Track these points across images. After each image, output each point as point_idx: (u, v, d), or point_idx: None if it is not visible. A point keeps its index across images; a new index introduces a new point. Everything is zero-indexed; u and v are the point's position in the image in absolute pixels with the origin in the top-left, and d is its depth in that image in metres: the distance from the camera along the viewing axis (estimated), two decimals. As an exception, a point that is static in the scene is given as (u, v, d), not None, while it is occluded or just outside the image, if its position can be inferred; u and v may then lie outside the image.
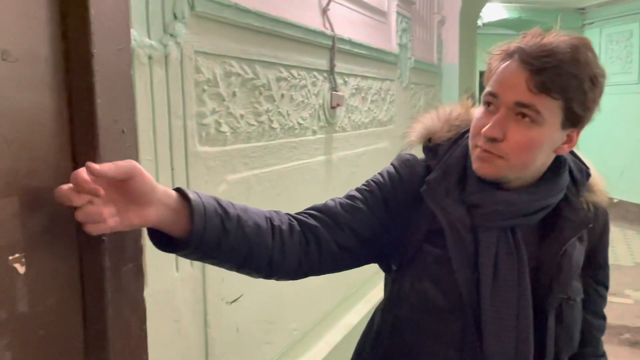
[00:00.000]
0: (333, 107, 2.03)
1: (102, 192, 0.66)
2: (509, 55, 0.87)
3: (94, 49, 0.71)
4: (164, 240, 0.80)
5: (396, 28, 2.77)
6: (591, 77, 0.85)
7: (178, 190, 0.79)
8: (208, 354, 1.39)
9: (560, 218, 0.93)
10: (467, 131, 0.95)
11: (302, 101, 1.83)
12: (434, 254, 0.93)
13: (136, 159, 0.81)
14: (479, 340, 0.89)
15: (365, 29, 2.42)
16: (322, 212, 0.95)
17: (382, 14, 2.64)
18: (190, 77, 1.29)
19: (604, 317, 1.07)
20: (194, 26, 1.29)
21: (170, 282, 1.24)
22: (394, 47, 2.76)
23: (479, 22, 6.24)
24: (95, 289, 0.75)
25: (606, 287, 1.06)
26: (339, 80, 2.10)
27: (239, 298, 1.50)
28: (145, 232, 0.82)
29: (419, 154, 1.03)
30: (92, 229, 0.68)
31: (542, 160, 0.91)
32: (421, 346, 0.93)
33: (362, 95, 2.37)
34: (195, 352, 1.35)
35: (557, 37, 0.86)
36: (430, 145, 1.00)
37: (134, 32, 1.10)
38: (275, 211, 0.93)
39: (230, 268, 0.89)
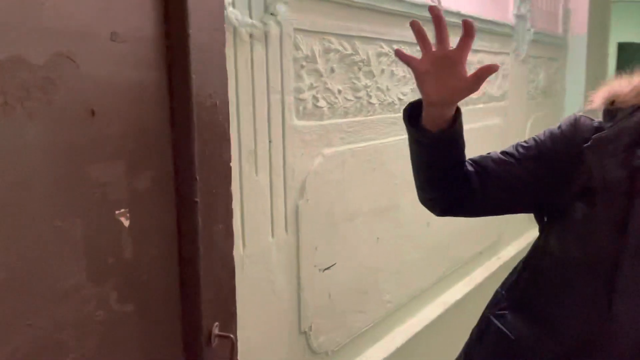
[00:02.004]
0: (437, 83, 2.00)
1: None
2: None
3: (190, 30, 0.80)
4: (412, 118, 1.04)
5: (513, -2, 2.62)
6: None
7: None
8: (300, 315, 1.48)
9: None
10: None
11: (404, 76, 1.83)
12: (584, 211, 0.95)
13: (227, 128, 0.89)
14: (609, 299, 0.91)
15: (478, 0, 2.33)
16: (477, 163, 1.07)
17: (498, -17, 2.51)
18: (289, 53, 1.35)
19: None
20: (294, 5, 1.35)
21: (266, 246, 1.34)
22: (509, 19, 2.62)
23: (618, -12, 5.65)
24: (189, 244, 0.85)
25: None
26: (445, 55, 2.05)
27: (331, 266, 1.57)
28: (235, 188, 0.92)
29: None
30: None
31: None
32: (554, 297, 0.99)
33: (472, 70, 2.29)
34: (289, 311, 1.44)
35: None
36: (612, 108, 0.99)
37: (236, 12, 1.19)
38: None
39: (435, 173, 1.05)
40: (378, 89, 1.71)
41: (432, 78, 0.97)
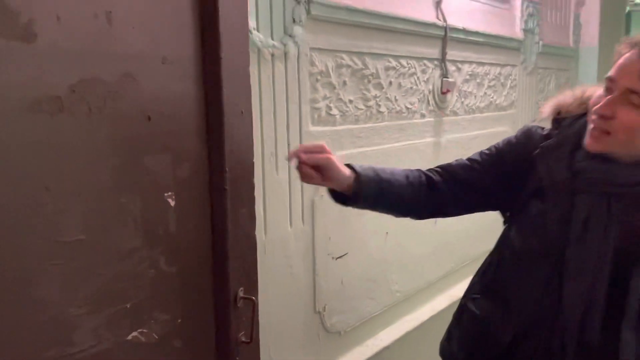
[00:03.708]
0: (444, 93, 2.19)
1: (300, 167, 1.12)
2: (632, 45, 1.01)
3: (222, 53, 1.02)
4: (338, 198, 1.19)
5: (521, 14, 2.80)
6: None
7: (348, 165, 1.16)
8: (316, 297, 1.69)
9: None
10: None
11: (411, 87, 2.03)
12: (538, 207, 1.12)
13: (250, 132, 1.11)
14: (559, 283, 1.06)
15: (484, 17, 2.51)
16: (444, 169, 1.24)
17: (505, 1, 2.70)
18: (306, 69, 1.57)
19: None
20: (310, 27, 1.57)
21: (285, 234, 1.55)
22: (517, 33, 2.79)
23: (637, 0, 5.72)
24: (220, 223, 1.07)
25: None
26: (452, 67, 2.25)
27: (344, 255, 1.77)
28: (258, 184, 1.15)
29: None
30: (299, 173, 1.13)
31: None
32: (514, 283, 1.15)
33: (478, 80, 2.48)
34: (305, 293, 1.65)
35: None
36: (558, 117, 1.16)
37: (260, 35, 1.41)
38: (410, 170, 1.24)
39: (382, 212, 1.25)
40: (387, 99, 1.92)
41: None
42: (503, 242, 1.23)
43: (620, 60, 1.00)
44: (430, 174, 1.24)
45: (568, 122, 1.12)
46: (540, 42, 3.01)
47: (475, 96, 2.47)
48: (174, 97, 0.98)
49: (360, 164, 1.19)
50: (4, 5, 0.72)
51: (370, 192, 1.15)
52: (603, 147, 1.02)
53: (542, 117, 1.20)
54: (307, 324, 1.67)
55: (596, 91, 1.12)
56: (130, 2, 0.89)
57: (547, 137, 1.14)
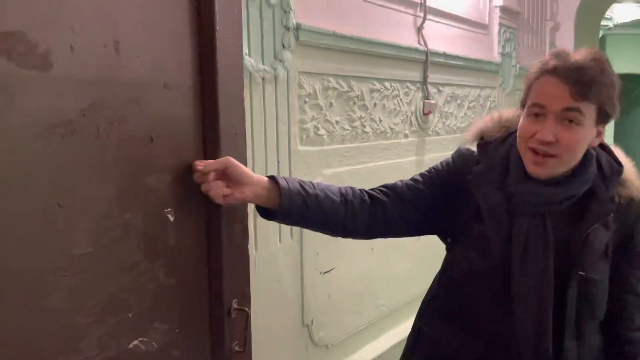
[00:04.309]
0: (426, 114, 2.29)
1: (209, 176, 1.04)
2: (546, 72, 1.07)
3: (219, 79, 1.10)
4: (266, 211, 1.16)
5: (498, 39, 2.93)
6: (612, 83, 1.06)
7: (271, 177, 1.14)
8: (304, 311, 1.75)
9: (587, 207, 1.11)
10: (515, 131, 1.15)
11: (394, 109, 2.12)
12: (478, 229, 1.14)
13: (244, 152, 1.18)
14: (509, 300, 1.10)
15: (464, 42, 2.63)
16: (390, 189, 1.23)
17: (483, 26, 2.83)
18: (294, 92, 1.65)
19: (639, 295, 1.19)
20: (298, 52, 1.65)
21: (274, 250, 1.62)
22: (495, 57, 2.92)
23: (610, 24, 5.97)
24: (216, 238, 1.13)
25: None
26: (433, 90, 2.35)
27: (331, 270, 1.84)
28: (251, 205, 1.19)
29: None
30: (212, 196, 1.06)
31: (582, 154, 1.09)
32: (466, 302, 1.17)
33: (458, 102, 2.59)
34: (294, 306, 1.71)
35: (582, 53, 1.06)
36: (482, 142, 1.21)
37: (251, 60, 1.50)
38: (351, 187, 1.22)
39: (314, 230, 1.22)
40: (372, 119, 2.01)
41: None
42: (449, 264, 1.24)
43: (544, 88, 1.06)
44: (375, 193, 1.22)
45: (493, 146, 1.17)
46: (518, 65, 3.15)
47: (456, 117, 2.58)
48: (175, 120, 1.05)
49: (285, 177, 1.18)
50: (24, 37, 0.79)
51: (295, 206, 1.11)
52: (548, 171, 1.07)
53: (466, 142, 1.24)
54: (296, 337, 1.73)
55: (510, 114, 1.20)
56: (135, 32, 0.96)
57: (478, 161, 1.18)
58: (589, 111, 1.04)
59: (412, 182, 1.23)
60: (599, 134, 1.10)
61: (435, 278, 1.31)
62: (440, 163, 1.25)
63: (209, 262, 1.13)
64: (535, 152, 1.06)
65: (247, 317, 1.18)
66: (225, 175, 1.07)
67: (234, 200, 1.09)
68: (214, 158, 1.11)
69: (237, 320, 1.17)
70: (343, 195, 1.19)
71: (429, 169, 1.26)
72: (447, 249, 1.27)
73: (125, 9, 0.94)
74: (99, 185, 0.92)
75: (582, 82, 1.02)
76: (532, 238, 1.10)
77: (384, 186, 1.24)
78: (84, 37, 0.87)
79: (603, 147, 1.17)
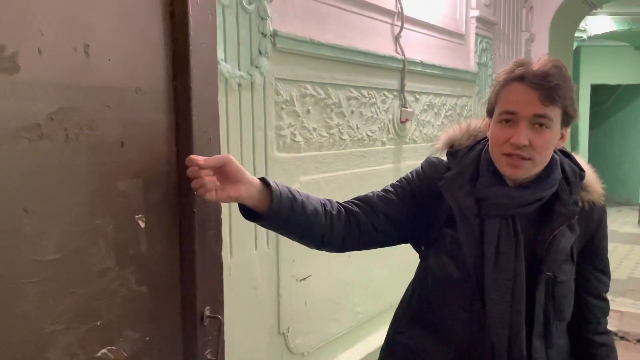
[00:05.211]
0: (403, 122, 2.31)
1: (205, 171, 1.01)
2: (513, 80, 1.10)
3: (192, 84, 1.09)
4: (249, 213, 1.13)
5: (475, 48, 2.97)
6: (572, 87, 1.11)
7: (262, 179, 1.13)
8: (280, 319, 1.74)
9: (553, 210, 1.15)
10: (483, 139, 1.20)
11: (372, 116, 2.14)
12: (450, 235, 1.17)
13: (218, 157, 1.17)
14: (482, 304, 1.12)
15: (441, 51, 2.67)
16: (363, 201, 1.23)
17: (460, 36, 2.87)
18: (271, 98, 1.65)
19: (604, 299, 1.24)
20: (275, 59, 1.66)
21: (250, 257, 1.61)
22: (472, 66, 2.96)
23: (585, 36, 6.11)
24: (188, 244, 1.12)
25: (604, 273, 1.24)
26: (410, 98, 2.38)
27: (307, 277, 1.84)
28: (224, 209, 1.18)
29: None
30: (202, 193, 1.03)
31: (550, 157, 1.13)
32: (440, 309, 1.19)
33: (435, 110, 2.62)
34: (269, 314, 1.70)
35: (543, 61, 1.10)
36: (452, 150, 1.24)
37: (227, 66, 1.49)
38: (328, 199, 1.22)
39: (293, 238, 1.21)
40: (349, 127, 2.01)
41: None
42: (422, 271, 1.25)
43: (513, 95, 1.09)
44: (348, 205, 1.22)
45: (462, 153, 1.20)
46: (494, 75, 3.19)
47: (433, 125, 2.60)
48: (147, 125, 1.04)
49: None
50: (-10, 40, 0.78)
51: (282, 210, 1.10)
52: (524, 173, 1.11)
53: (436, 150, 1.27)
54: (272, 345, 1.72)
55: (478, 123, 1.24)
56: (106, 36, 0.95)
57: (448, 168, 1.21)
58: (556, 115, 1.09)
59: (383, 193, 1.24)
60: (562, 136, 1.15)
61: (408, 287, 1.32)
62: (411, 173, 1.27)
63: (182, 269, 1.12)
64: (509, 155, 1.09)
65: (221, 324, 1.17)
66: (222, 172, 1.05)
67: (226, 197, 1.06)
68: (186, 164, 1.10)
69: (210, 328, 1.16)
70: (323, 205, 1.20)
71: (400, 179, 1.27)
72: (420, 257, 1.29)
73: (96, 12, 0.94)
74: (68, 190, 0.90)
75: (548, 88, 1.06)
76: (504, 239, 1.12)
77: (357, 198, 1.25)
78: (53, 40, 0.86)
79: (565, 153, 1.21)
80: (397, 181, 1.27)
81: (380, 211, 1.22)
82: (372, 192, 1.26)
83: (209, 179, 1.02)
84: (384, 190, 1.26)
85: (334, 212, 1.20)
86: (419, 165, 1.28)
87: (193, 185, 1.03)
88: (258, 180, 1.11)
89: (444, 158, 1.26)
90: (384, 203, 1.23)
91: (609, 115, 8.75)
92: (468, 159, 1.19)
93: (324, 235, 1.18)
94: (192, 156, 1.03)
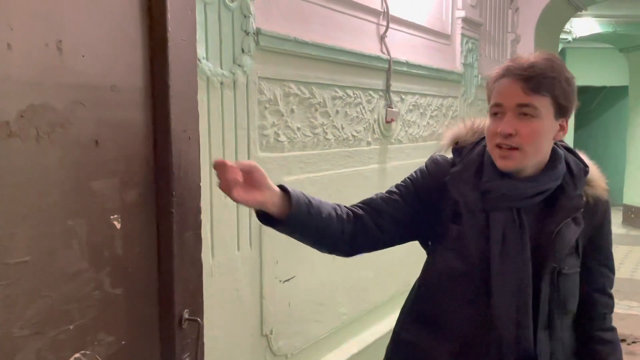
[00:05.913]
0: (388, 122, 2.30)
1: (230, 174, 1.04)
2: (501, 75, 1.13)
3: (170, 81, 1.06)
4: (266, 219, 1.14)
5: (461, 49, 2.97)
6: (566, 78, 1.12)
7: (280, 186, 1.13)
8: (263, 321, 1.72)
9: (558, 203, 1.17)
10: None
11: (357, 116, 2.12)
12: (457, 229, 1.19)
13: (198, 157, 1.15)
14: (488, 298, 1.13)
15: (427, 51, 2.66)
16: (367, 204, 1.26)
17: (446, 37, 2.86)
18: (254, 97, 1.63)
19: (609, 295, 1.26)
20: (259, 57, 1.63)
21: (232, 258, 1.58)
22: (458, 67, 2.96)
23: (570, 37, 6.15)
24: (166, 246, 1.10)
25: (609, 269, 1.25)
26: (396, 98, 2.36)
27: (291, 279, 1.81)
28: (205, 208, 1.16)
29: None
30: (226, 192, 1.06)
31: (547, 147, 1.15)
32: (445, 303, 1.21)
33: (421, 111, 2.61)
34: (252, 316, 1.67)
35: (535, 55, 1.12)
36: (457, 147, 1.27)
37: (209, 64, 1.47)
38: (337, 204, 1.24)
39: (307, 243, 1.22)
40: (334, 127, 2.00)
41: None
42: (428, 268, 1.28)
43: (499, 88, 1.12)
44: (355, 209, 1.24)
45: (467, 149, 1.23)
46: (479, 76, 3.20)
47: (418, 125, 2.60)
48: (123, 123, 1.01)
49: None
50: (-45, 34, 0.75)
51: (300, 214, 1.12)
52: (515, 163, 1.12)
53: (442, 147, 1.29)
54: (254, 348, 1.69)
55: (482, 121, 1.25)
56: (80, 31, 0.92)
57: (453, 164, 1.23)
58: (543, 104, 1.10)
59: (387, 195, 1.27)
60: (562, 127, 1.15)
61: (414, 284, 1.33)
62: (415, 172, 1.30)
63: (159, 271, 1.09)
64: (500, 147, 1.12)
65: (200, 327, 1.14)
66: (247, 178, 1.08)
67: (253, 200, 1.09)
68: (165, 162, 1.07)
69: (188, 331, 1.13)
70: (334, 209, 1.22)
71: (404, 179, 1.30)
72: (427, 253, 1.31)
73: (69, 6, 0.91)
74: (39, 190, 0.87)
75: (531, 77, 1.08)
76: (509, 232, 1.14)
77: (361, 202, 1.27)
78: (23, 35, 0.83)
79: (568, 149, 1.23)
80: (401, 181, 1.30)
81: (385, 213, 1.24)
82: (376, 194, 1.29)
83: (235, 177, 1.05)
84: (388, 191, 1.28)
85: (344, 216, 1.22)
86: (423, 164, 1.30)
87: (220, 186, 1.07)
88: (278, 188, 1.13)
89: (448, 156, 1.28)
90: (388, 204, 1.25)
91: (594, 116, 8.84)
92: (473, 155, 1.22)
93: (336, 239, 1.21)
94: (220, 159, 1.08)
